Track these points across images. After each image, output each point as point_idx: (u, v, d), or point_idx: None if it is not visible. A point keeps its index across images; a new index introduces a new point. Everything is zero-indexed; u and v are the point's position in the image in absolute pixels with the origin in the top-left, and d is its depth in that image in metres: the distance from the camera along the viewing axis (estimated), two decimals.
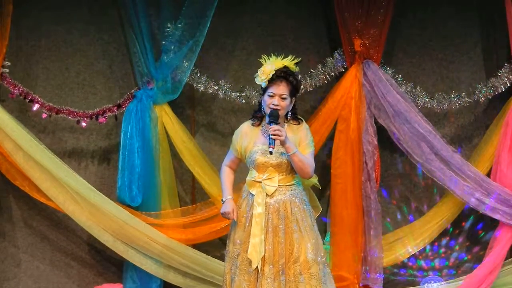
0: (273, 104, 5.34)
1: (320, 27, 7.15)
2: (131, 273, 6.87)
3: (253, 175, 5.47)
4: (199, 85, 6.91)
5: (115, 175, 6.87)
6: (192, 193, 7.12)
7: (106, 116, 6.88)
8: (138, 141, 6.79)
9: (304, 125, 5.52)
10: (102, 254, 7.03)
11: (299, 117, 5.55)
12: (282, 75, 5.36)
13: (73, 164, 6.98)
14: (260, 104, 5.54)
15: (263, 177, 5.41)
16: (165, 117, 6.88)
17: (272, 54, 5.48)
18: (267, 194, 5.41)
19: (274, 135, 5.23)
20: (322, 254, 5.44)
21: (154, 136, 6.83)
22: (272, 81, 5.36)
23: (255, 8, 7.12)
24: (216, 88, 6.90)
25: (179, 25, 6.81)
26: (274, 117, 5.33)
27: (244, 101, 6.90)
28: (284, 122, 5.45)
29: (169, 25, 6.82)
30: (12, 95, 6.82)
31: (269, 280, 5.29)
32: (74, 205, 6.73)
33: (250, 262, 5.36)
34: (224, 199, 5.59)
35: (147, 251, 6.75)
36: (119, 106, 6.89)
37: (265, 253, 5.32)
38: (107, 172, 7.06)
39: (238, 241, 5.44)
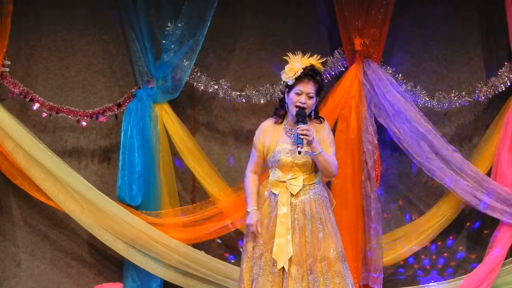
0: (300, 102, 5.31)
1: (320, 27, 7.15)
2: (131, 272, 6.87)
3: (276, 175, 5.42)
4: (199, 84, 6.91)
5: (115, 174, 6.87)
6: (192, 193, 7.12)
7: (106, 115, 6.88)
8: (138, 140, 6.79)
9: (326, 124, 5.49)
10: (102, 253, 7.02)
11: (321, 116, 5.53)
12: (310, 73, 5.34)
13: (73, 164, 6.98)
14: (281, 101, 5.51)
15: (288, 177, 5.38)
16: (165, 116, 6.88)
17: (298, 52, 5.45)
18: (291, 194, 5.39)
19: (303, 135, 5.20)
20: (343, 251, 5.44)
21: (154, 136, 6.83)
22: (299, 79, 5.33)
23: (255, 8, 7.13)
24: (216, 87, 6.91)
25: (179, 25, 6.81)
26: (302, 117, 5.29)
27: (244, 100, 6.91)
28: (307, 121, 5.41)
29: (169, 24, 6.83)
30: (12, 94, 6.82)
31: (296, 281, 5.26)
32: (74, 204, 6.73)
33: (274, 263, 5.32)
34: (249, 210, 5.49)
35: (147, 250, 6.75)
36: (119, 105, 6.89)
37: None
38: (107, 171, 7.06)
39: (261, 241, 5.40)
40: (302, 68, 5.33)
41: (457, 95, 6.98)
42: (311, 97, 5.35)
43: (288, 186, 5.38)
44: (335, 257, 5.36)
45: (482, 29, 7.18)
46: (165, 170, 6.90)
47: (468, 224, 7.18)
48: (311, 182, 5.42)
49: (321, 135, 5.43)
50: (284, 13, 7.14)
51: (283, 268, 5.31)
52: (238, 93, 6.92)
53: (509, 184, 6.83)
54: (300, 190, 5.38)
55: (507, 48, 7.00)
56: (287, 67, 5.38)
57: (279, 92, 6.58)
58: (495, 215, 6.86)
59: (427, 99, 6.95)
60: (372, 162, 6.87)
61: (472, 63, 7.18)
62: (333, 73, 6.97)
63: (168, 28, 6.83)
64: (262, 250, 5.37)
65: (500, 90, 6.95)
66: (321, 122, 5.50)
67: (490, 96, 6.99)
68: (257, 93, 6.87)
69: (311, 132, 5.23)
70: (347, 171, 6.85)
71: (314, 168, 5.42)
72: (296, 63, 5.34)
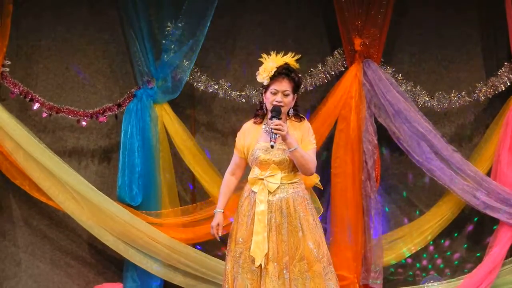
0: (276, 101, 5.33)
1: (320, 27, 7.15)
2: (131, 272, 6.87)
3: (255, 172, 5.46)
4: (199, 84, 6.91)
5: (115, 175, 6.87)
6: (192, 193, 7.12)
7: (106, 115, 6.88)
8: (138, 141, 6.79)
9: (306, 122, 5.51)
10: (102, 253, 7.02)
11: (301, 114, 5.55)
12: (284, 71, 5.36)
13: (73, 164, 6.98)
14: (261, 102, 5.54)
15: (266, 174, 5.41)
16: (165, 116, 6.88)
17: (272, 52, 5.48)
18: (269, 192, 5.40)
19: (276, 129, 5.22)
20: (326, 252, 5.43)
21: (154, 136, 6.83)
22: (273, 78, 5.35)
23: (255, 8, 7.13)
24: (216, 87, 6.91)
25: (179, 25, 6.81)
26: (277, 112, 5.32)
27: (244, 100, 6.91)
28: (286, 119, 5.44)
29: (169, 24, 6.83)
30: (12, 94, 6.82)
31: (273, 278, 5.28)
32: (74, 204, 6.73)
33: (253, 260, 5.35)
34: (214, 212, 5.62)
35: (148, 250, 6.75)
36: (119, 106, 6.89)
37: (268, 251, 5.31)
38: (107, 171, 7.06)
39: (240, 239, 5.43)
40: (276, 67, 5.34)
41: (457, 95, 6.98)
42: (287, 95, 5.37)
43: (265, 184, 5.40)
44: (315, 257, 5.36)
45: (482, 29, 7.18)
46: (165, 170, 6.90)
47: (468, 224, 7.18)
48: (290, 181, 5.44)
49: (300, 133, 5.44)
50: (284, 13, 7.14)
51: (261, 266, 5.33)
52: (238, 93, 6.92)
53: (509, 184, 6.83)
54: (278, 188, 5.40)
55: (507, 48, 7.00)
56: (261, 68, 5.40)
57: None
58: (495, 215, 6.86)
59: (427, 99, 6.95)
60: (372, 162, 6.87)
61: (472, 63, 7.18)
62: (333, 73, 6.97)
63: (168, 28, 6.83)
64: (242, 249, 5.40)
65: (500, 90, 6.95)
66: (300, 120, 5.52)
67: (490, 96, 6.99)
68: (257, 93, 6.87)
69: (284, 127, 5.24)
70: (347, 171, 6.85)
71: (293, 166, 5.43)
72: (269, 63, 5.37)
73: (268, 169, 5.41)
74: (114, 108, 6.89)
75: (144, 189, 6.82)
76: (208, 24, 6.81)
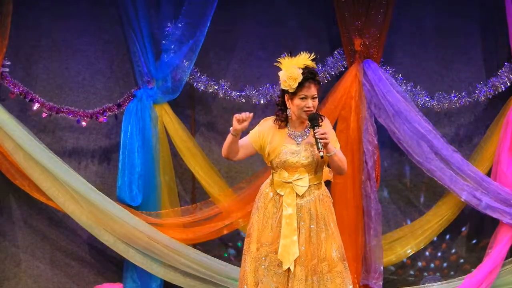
0: (306, 107, 5.26)
1: (320, 27, 7.15)
2: (131, 272, 6.87)
3: (283, 175, 5.39)
4: (199, 85, 6.92)
5: (115, 175, 6.87)
6: (192, 193, 7.12)
7: (106, 116, 6.88)
8: (138, 141, 6.79)
9: (327, 121, 5.43)
10: (102, 253, 7.03)
11: (321, 114, 5.48)
12: (310, 76, 5.29)
13: (73, 164, 6.98)
14: (279, 105, 5.43)
15: (294, 178, 5.36)
16: (165, 116, 6.88)
17: (287, 55, 5.34)
18: (297, 195, 5.37)
19: (322, 138, 5.17)
20: (344, 252, 5.43)
21: (154, 136, 6.83)
22: (302, 84, 5.29)
23: (255, 8, 7.13)
24: (216, 87, 6.91)
25: (179, 25, 6.82)
26: (316, 121, 5.21)
27: (244, 100, 6.91)
28: (321, 124, 5.35)
29: (169, 24, 6.83)
30: (12, 94, 6.83)
31: (301, 281, 5.24)
32: (74, 204, 6.73)
33: (279, 264, 5.29)
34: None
35: (148, 250, 6.75)
36: (119, 106, 6.89)
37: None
38: (107, 171, 7.06)
39: (265, 242, 5.38)
40: (302, 73, 5.28)
41: (457, 95, 6.98)
42: (314, 99, 5.32)
43: (294, 187, 5.36)
44: (338, 257, 5.35)
45: (482, 29, 7.18)
46: (165, 170, 6.91)
47: (468, 224, 7.18)
48: (316, 182, 5.40)
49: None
50: (284, 13, 7.13)
51: (287, 269, 5.30)
52: (238, 93, 6.92)
53: (509, 184, 6.83)
54: (305, 191, 5.37)
55: (507, 48, 6.99)
56: (284, 75, 5.27)
57: (276, 97, 6.54)
58: (495, 215, 6.86)
59: (427, 99, 6.95)
60: (372, 162, 6.87)
61: (472, 63, 7.18)
62: (333, 73, 6.97)
63: (168, 28, 6.83)
64: (267, 251, 5.35)
65: (500, 90, 6.95)
66: (322, 120, 5.48)
67: (490, 96, 6.99)
68: (257, 93, 6.87)
69: (328, 135, 5.21)
70: (347, 171, 6.83)
71: (318, 168, 5.40)
72: (294, 70, 5.26)
73: (296, 172, 5.36)
74: (114, 108, 6.89)
75: (144, 189, 6.82)
76: (208, 24, 6.81)
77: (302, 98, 5.25)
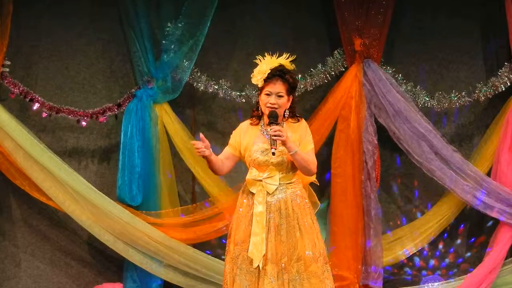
0: (270, 103, 5.33)
1: (320, 27, 7.15)
2: (131, 272, 6.87)
3: (253, 173, 5.46)
4: (199, 85, 6.92)
5: (115, 175, 6.87)
6: (192, 193, 7.12)
7: (106, 116, 6.88)
8: (138, 141, 6.79)
9: (303, 122, 5.50)
10: (102, 253, 7.02)
11: (298, 115, 5.53)
12: (277, 73, 5.35)
13: (73, 164, 6.98)
14: (258, 103, 5.54)
15: (264, 176, 5.40)
16: (165, 116, 6.88)
17: (266, 54, 5.45)
18: (267, 193, 5.40)
19: (275, 135, 5.21)
20: (322, 251, 5.43)
21: (154, 136, 6.84)
22: (268, 80, 5.34)
23: (255, 8, 7.13)
24: (216, 87, 6.91)
25: (179, 25, 6.82)
26: (274, 118, 5.31)
27: (244, 100, 6.91)
28: (283, 120, 5.43)
29: (169, 24, 6.83)
30: (12, 94, 6.82)
31: (271, 279, 5.28)
32: (74, 204, 6.73)
33: (251, 261, 5.34)
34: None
35: (148, 250, 6.75)
36: (119, 106, 6.89)
37: (267, 252, 5.31)
38: (107, 171, 7.06)
39: (239, 241, 5.42)
40: (270, 69, 5.33)
41: (457, 95, 6.98)
42: (280, 97, 5.35)
43: (264, 185, 5.40)
44: (311, 257, 5.36)
45: (482, 29, 7.18)
46: (165, 170, 6.90)
47: (468, 224, 7.18)
48: (288, 181, 5.43)
49: (297, 134, 5.43)
50: (284, 13, 7.14)
51: (260, 267, 5.32)
52: (238, 93, 6.92)
53: (509, 184, 6.83)
54: (276, 189, 5.40)
55: (507, 48, 6.99)
56: (255, 70, 5.39)
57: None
58: (495, 215, 6.86)
59: (427, 99, 6.96)
60: (372, 162, 6.87)
61: (472, 63, 7.18)
62: (333, 73, 6.97)
63: (168, 28, 6.83)
64: (240, 250, 5.39)
65: (500, 90, 6.95)
66: (298, 121, 5.51)
67: (490, 96, 6.99)
68: (256, 93, 6.86)
69: (283, 133, 5.23)
70: (347, 171, 6.85)
71: (291, 167, 5.43)
72: (263, 65, 5.36)
73: (266, 170, 5.40)
74: (114, 108, 6.89)
75: (144, 189, 6.82)
76: (208, 24, 6.81)
77: (267, 94, 5.34)
